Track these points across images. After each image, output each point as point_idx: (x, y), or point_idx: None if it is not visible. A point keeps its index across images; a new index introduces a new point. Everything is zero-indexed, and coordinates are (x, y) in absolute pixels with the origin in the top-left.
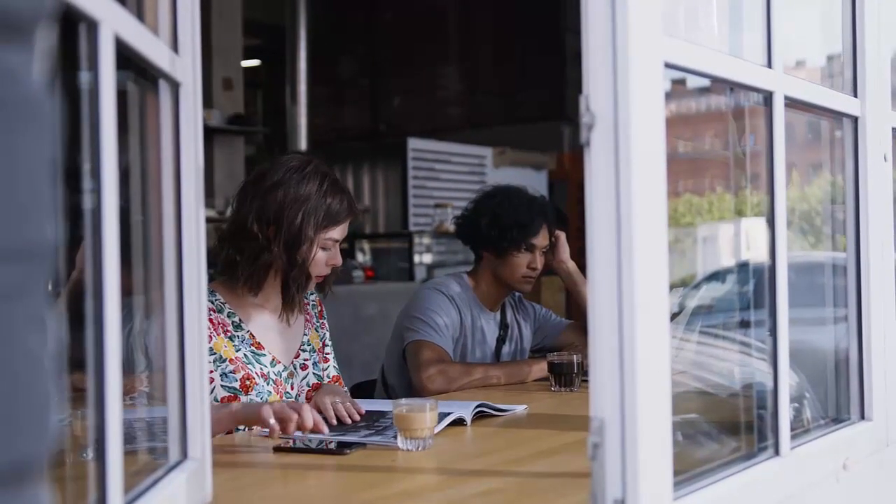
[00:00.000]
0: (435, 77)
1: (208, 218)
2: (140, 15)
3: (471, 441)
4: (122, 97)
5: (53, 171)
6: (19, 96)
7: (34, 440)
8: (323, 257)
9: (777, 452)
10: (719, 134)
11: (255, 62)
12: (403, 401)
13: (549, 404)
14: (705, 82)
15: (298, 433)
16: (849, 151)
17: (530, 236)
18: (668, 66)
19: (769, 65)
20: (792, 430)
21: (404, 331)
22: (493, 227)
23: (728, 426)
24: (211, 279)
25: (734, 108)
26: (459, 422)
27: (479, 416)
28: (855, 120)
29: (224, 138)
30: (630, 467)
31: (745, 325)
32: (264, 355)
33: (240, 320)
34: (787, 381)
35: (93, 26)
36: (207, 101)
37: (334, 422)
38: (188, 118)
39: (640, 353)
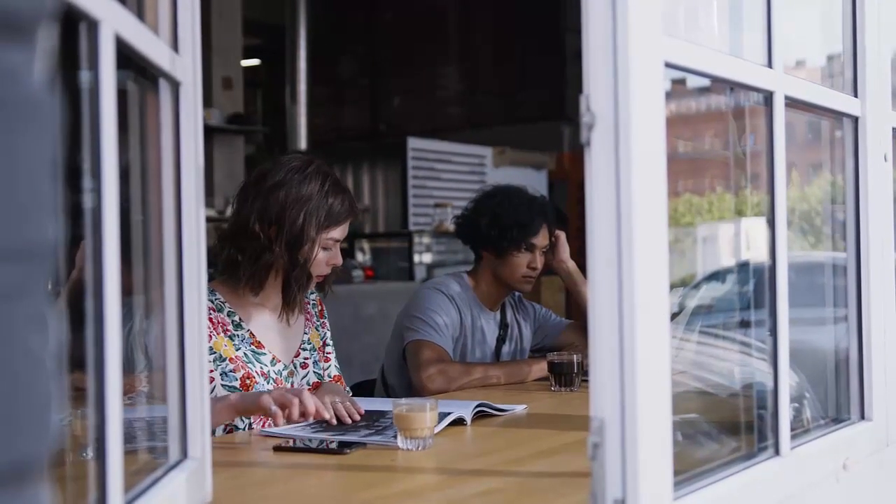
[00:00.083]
0: (435, 77)
1: (208, 217)
2: (140, 14)
3: (471, 441)
4: (122, 96)
5: (54, 170)
6: (20, 96)
7: (34, 440)
8: (324, 257)
9: (777, 452)
10: (719, 134)
11: (254, 62)
12: (403, 400)
13: (548, 404)
14: (705, 82)
15: (298, 433)
16: (849, 151)
17: (530, 236)
18: (669, 65)
19: (769, 65)
20: (792, 430)
21: (404, 330)
22: (493, 226)
23: (728, 426)
24: (211, 278)
25: (734, 108)
26: (459, 421)
27: (479, 415)
28: (855, 120)
29: (224, 138)
30: (630, 467)
31: (745, 324)
32: (264, 354)
33: (240, 319)
34: (788, 380)
35: (93, 25)
36: (207, 101)
37: (334, 421)
38: (188, 117)
39: (641, 352)
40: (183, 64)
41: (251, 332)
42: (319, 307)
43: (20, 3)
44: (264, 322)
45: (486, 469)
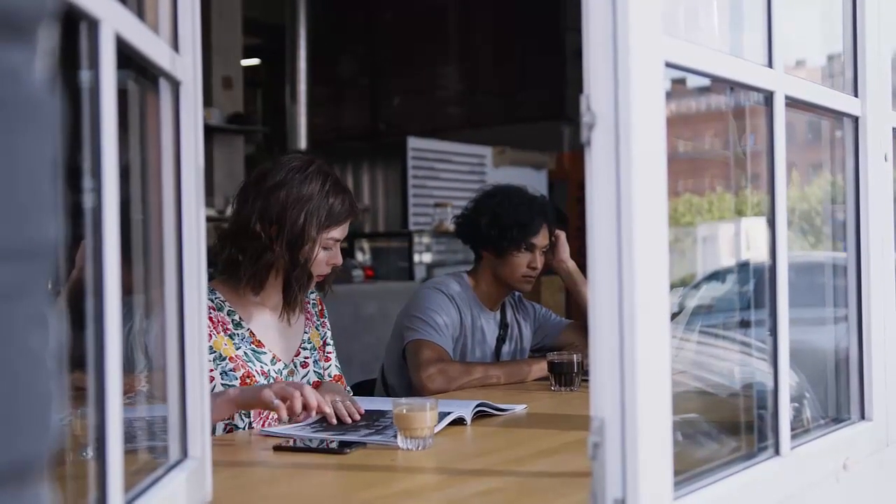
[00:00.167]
0: (435, 77)
1: (208, 217)
2: (141, 14)
3: (471, 440)
4: (122, 96)
5: (54, 170)
6: (21, 96)
7: (35, 439)
8: (324, 257)
9: (777, 452)
10: (719, 133)
11: (254, 61)
12: (403, 400)
13: (548, 404)
14: (705, 82)
15: (298, 433)
16: (849, 151)
17: (530, 236)
18: (669, 65)
19: (770, 64)
20: (792, 429)
21: (404, 330)
22: (493, 226)
23: (728, 426)
24: (210, 278)
25: (734, 108)
26: (459, 421)
27: (479, 415)
28: (855, 120)
29: (224, 137)
30: (630, 467)
31: (745, 324)
32: (264, 353)
33: (240, 318)
34: (788, 380)
35: (94, 25)
36: (207, 100)
37: (334, 420)
38: (188, 117)
39: (641, 352)
40: (183, 63)
41: (251, 332)
42: (319, 307)
43: (21, 2)
44: (264, 321)
45: (486, 469)
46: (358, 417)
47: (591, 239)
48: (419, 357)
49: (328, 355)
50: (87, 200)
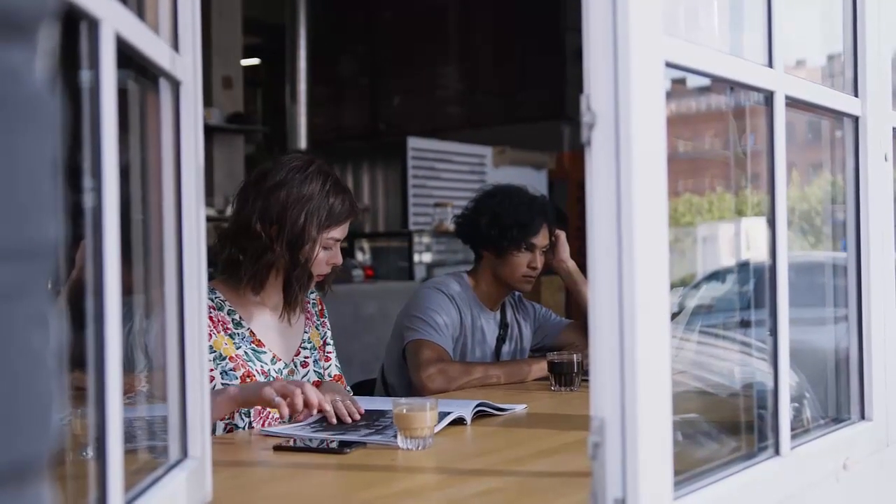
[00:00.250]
0: (435, 77)
1: (208, 217)
2: (141, 13)
3: (471, 440)
4: (122, 95)
5: (55, 170)
6: (21, 95)
7: (35, 439)
8: (324, 256)
9: (777, 452)
10: (719, 133)
11: (254, 61)
12: (403, 400)
13: (549, 404)
14: (706, 82)
15: (298, 433)
16: (849, 151)
17: (530, 236)
18: (669, 65)
19: (770, 64)
20: (792, 429)
21: (404, 330)
22: (493, 226)
23: (728, 426)
24: (210, 278)
25: (734, 108)
26: (459, 421)
27: (479, 415)
28: (855, 119)
29: (224, 137)
30: (630, 467)
31: (745, 324)
32: (265, 353)
33: (240, 318)
34: (788, 380)
35: (94, 25)
36: (207, 100)
37: (333, 420)
38: (188, 116)
39: (641, 352)
40: (183, 63)
41: (251, 331)
42: (319, 306)
43: (21, 2)
44: (264, 321)
45: (486, 469)
46: (358, 417)
47: (591, 239)
48: (419, 357)
49: (328, 355)
50: (88, 200)
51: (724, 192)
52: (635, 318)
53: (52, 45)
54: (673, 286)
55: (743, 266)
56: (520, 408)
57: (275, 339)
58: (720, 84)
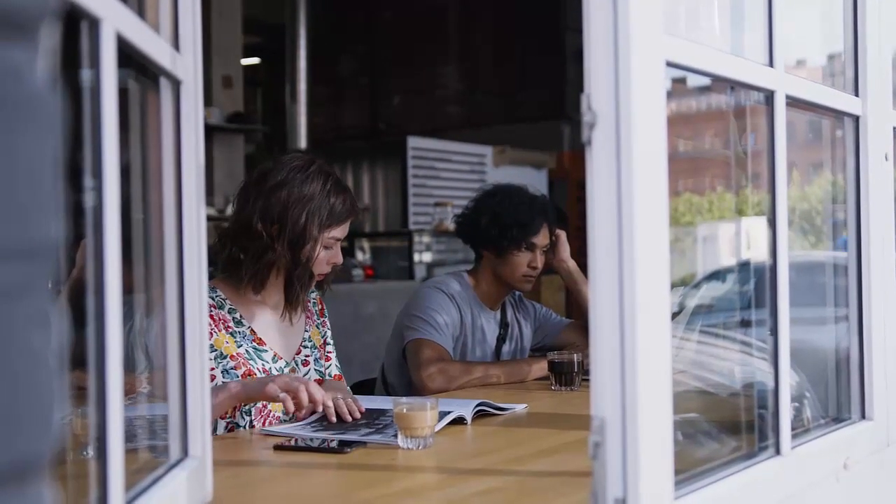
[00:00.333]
0: (435, 76)
1: (208, 216)
2: (141, 13)
3: (471, 440)
4: (123, 95)
5: (55, 169)
6: (22, 94)
7: (36, 439)
8: (324, 256)
9: (778, 452)
10: (720, 133)
11: (254, 60)
12: (404, 399)
13: (549, 403)
14: (706, 81)
15: (299, 432)
16: (850, 151)
17: (531, 235)
18: (670, 64)
19: (770, 64)
20: (792, 429)
21: (404, 329)
22: (493, 225)
23: (729, 425)
24: (211, 277)
25: (735, 107)
26: (460, 420)
27: (480, 414)
28: (856, 119)
29: (224, 136)
30: (631, 466)
31: (745, 324)
32: (266, 351)
33: (241, 317)
34: (788, 380)
35: (94, 24)
36: (207, 100)
37: (333, 418)
38: (189, 116)
39: (641, 352)
40: (184, 62)
41: (252, 330)
42: (320, 306)
43: (22, 1)
44: (265, 319)
45: (487, 468)
46: (358, 415)
47: (592, 238)
48: (419, 356)
49: (328, 354)
50: (88, 199)
51: (725, 191)
52: (636, 317)
53: (53, 44)
54: (673, 286)
55: (743, 266)
56: (520, 407)
57: (276, 338)
58: (721, 83)
